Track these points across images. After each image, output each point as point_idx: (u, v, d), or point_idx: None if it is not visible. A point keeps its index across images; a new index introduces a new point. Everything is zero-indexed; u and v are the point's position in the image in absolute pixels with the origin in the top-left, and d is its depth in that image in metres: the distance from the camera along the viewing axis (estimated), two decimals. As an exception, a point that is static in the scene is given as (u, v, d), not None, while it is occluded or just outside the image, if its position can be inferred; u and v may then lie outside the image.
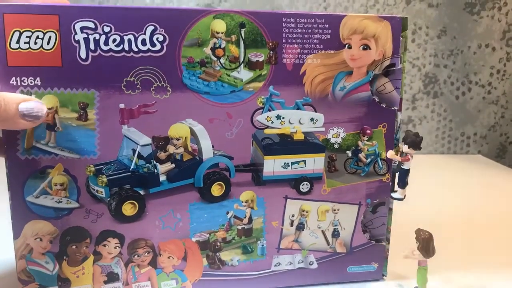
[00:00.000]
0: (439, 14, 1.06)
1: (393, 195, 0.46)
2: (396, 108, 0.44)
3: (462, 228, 0.63)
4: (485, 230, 0.63)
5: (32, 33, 0.36)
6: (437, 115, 1.12)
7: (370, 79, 0.43)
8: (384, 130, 0.44)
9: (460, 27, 1.08)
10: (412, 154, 0.44)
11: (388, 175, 0.45)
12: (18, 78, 0.36)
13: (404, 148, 0.43)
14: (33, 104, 0.35)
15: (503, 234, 0.62)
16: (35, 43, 0.36)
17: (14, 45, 0.36)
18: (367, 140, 0.44)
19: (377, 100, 0.43)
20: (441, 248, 0.51)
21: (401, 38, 0.43)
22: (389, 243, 0.48)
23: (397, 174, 0.45)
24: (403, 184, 0.45)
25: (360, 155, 0.44)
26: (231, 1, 1.01)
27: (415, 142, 0.43)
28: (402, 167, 0.44)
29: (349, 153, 0.44)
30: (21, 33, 0.36)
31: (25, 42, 0.36)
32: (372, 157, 0.45)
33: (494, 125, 1.15)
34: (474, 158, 1.10)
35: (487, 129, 1.15)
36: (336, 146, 0.44)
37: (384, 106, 0.44)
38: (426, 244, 0.42)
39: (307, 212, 0.44)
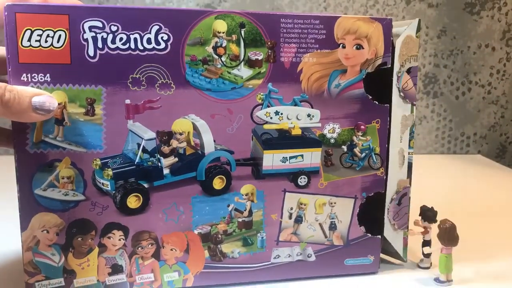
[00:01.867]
0: (439, 14, 1.07)
1: (420, 264, 0.51)
2: (387, 105, 0.46)
3: (462, 228, 0.62)
4: (485, 230, 0.63)
5: (43, 31, 0.38)
6: (437, 115, 1.12)
7: (363, 77, 0.45)
8: (378, 126, 0.46)
9: (460, 27, 1.09)
10: (431, 227, 0.49)
11: (382, 169, 0.47)
12: (29, 75, 0.38)
13: (424, 223, 0.49)
14: (45, 98, 0.37)
15: (503, 234, 0.62)
16: (46, 41, 0.38)
17: (25, 43, 0.37)
18: (361, 136, 0.46)
19: (402, 96, 0.46)
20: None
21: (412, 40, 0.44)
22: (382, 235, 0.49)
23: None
24: (427, 253, 0.50)
25: (355, 150, 0.46)
26: (231, 1, 1.02)
27: (431, 217, 0.49)
28: (424, 239, 0.50)
29: (345, 148, 0.46)
30: (32, 32, 0.37)
31: (36, 40, 0.38)
32: (367, 151, 0.47)
33: (494, 125, 1.16)
34: (474, 158, 1.10)
35: (487, 129, 1.15)
36: (332, 141, 0.46)
37: (376, 103, 0.46)
38: (448, 233, 0.46)
39: (305, 205, 0.46)
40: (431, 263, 0.50)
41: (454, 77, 1.11)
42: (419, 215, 0.49)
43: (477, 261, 0.53)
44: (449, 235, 0.46)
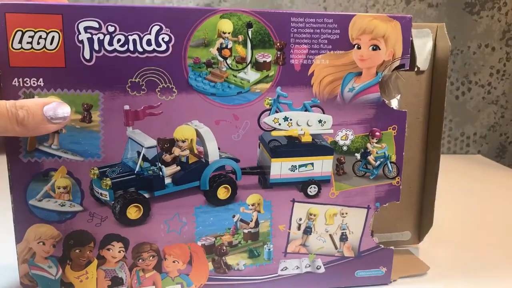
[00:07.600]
0: (439, 14, 1.06)
1: None
2: (405, 110, 0.43)
3: (461, 228, 0.63)
4: (485, 230, 0.62)
5: (35, 33, 0.35)
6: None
7: (380, 80, 0.42)
8: (394, 133, 0.43)
9: (460, 27, 1.07)
10: None
11: (398, 178, 0.45)
12: (20, 79, 0.36)
13: None
14: (55, 105, 0.34)
15: (503, 234, 0.62)
16: (38, 43, 0.35)
17: (16, 45, 0.35)
18: (376, 143, 0.43)
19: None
20: (441, 248, 0.50)
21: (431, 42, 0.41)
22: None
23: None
24: None
25: (369, 157, 0.43)
26: (231, 0, 1.00)
27: None
28: None
29: (358, 155, 0.43)
30: (23, 33, 0.35)
31: (27, 42, 0.35)
32: (382, 160, 0.44)
33: (494, 125, 1.15)
34: (474, 158, 1.09)
35: (487, 129, 1.15)
36: (345, 148, 0.43)
37: (393, 107, 0.43)
38: None
39: (314, 215, 0.44)
40: None
41: (454, 77, 1.10)
42: None
43: (476, 260, 0.52)
44: None
